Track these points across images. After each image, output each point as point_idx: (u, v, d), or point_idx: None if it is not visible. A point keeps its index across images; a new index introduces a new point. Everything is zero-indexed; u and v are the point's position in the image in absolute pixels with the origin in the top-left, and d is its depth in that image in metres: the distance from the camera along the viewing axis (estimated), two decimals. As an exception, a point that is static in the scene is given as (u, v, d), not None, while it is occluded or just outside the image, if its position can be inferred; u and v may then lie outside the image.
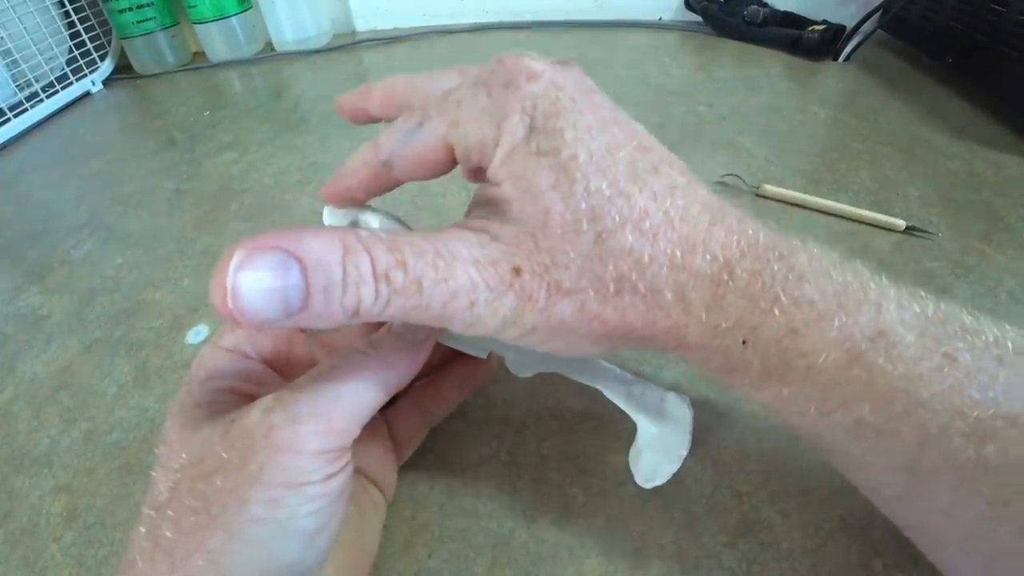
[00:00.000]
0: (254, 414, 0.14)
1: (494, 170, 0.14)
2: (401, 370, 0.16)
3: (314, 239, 0.12)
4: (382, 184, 0.17)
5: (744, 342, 0.14)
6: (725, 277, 0.13)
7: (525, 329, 0.14)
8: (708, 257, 0.13)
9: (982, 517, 0.13)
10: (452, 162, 0.16)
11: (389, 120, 0.19)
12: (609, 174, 0.13)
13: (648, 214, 0.13)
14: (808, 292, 0.13)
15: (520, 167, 0.14)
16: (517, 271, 0.13)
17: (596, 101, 0.15)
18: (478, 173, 0.16)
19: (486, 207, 0.15)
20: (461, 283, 0.13)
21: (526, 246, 0.13)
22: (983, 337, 0.13)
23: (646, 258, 0.13)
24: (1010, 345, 0.13)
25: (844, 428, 0.14)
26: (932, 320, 0.13)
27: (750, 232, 0.14)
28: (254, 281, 0.11)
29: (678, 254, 0.13)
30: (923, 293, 0.14)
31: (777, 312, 0.13)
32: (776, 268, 0.13)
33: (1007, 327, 0.13)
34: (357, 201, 0.19)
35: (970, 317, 0.13)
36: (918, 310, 0.13)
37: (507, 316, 0.13)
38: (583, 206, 0.13)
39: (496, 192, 0.15)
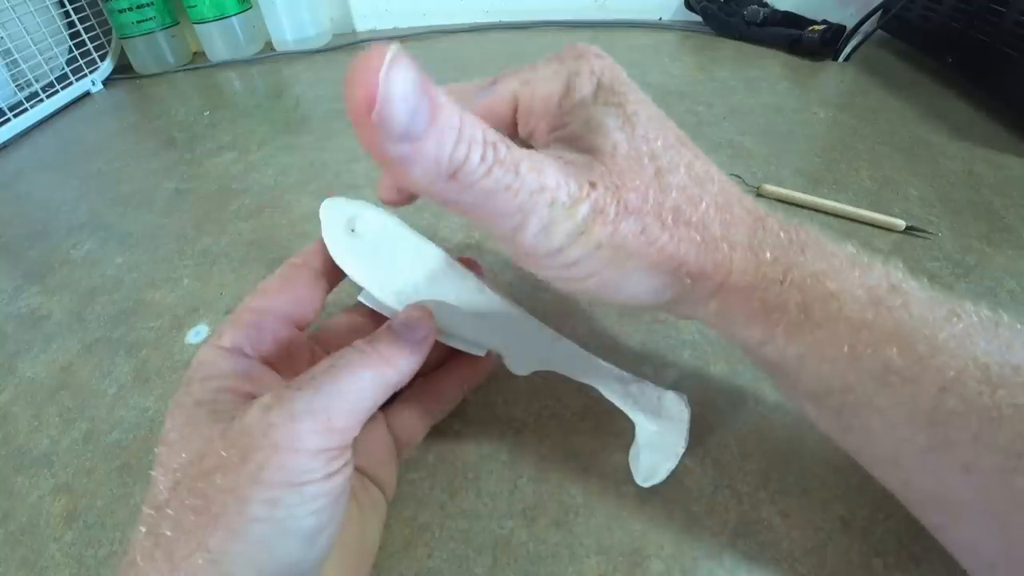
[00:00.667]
0: (253, 413, 0.14)
1: (562, 112, 0.16)
2: (401, 368, 0.16)
3: (440, 90, 0.12)
4: None
5: (782, 281, 0.15)
6: (759, 226, 0.16)
7: (591, 244, 0.14)
8: (744, 209, 0.16)
9: (999, 468, 0.13)
10: (514, 123, 0.18)
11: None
12: (664, 133, 0.16)
13: (694, 166, 0.16)
14: (828, 249, 0.15)
15: (588, 112, 0.16)
16: (593, 184, 0.14)
17: (642, 97, 0.17)
18: (533, 135, 0.17)
19: (552, 148, 0.16)
20: (549, 179, 0.14)
21: (598, 169, 0.15)
22: (976, 308, 0.14)
23: (697, 196, 0.15)
24: (1005, 318, 0.14)
25: (872, 375, 0.14)
26: (933, 295, 0.15)
27: (762, 212, 0.16)
28: (401, 79, 0.11)
29: (721, 200, 0.15)
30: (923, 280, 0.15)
31: (809, 255, 0.15)
32: (795, 234, 0.16)
33: (999, 311, 0.15)
34: None
35: (957, 299, 0.15)
36: (921, 283, 0.15)
37: (579, 224, 0.14)
38: (644, 147, 0.15)
39: (562, 133, 0.16)
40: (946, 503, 0.15)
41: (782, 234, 0.15)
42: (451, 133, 0.12)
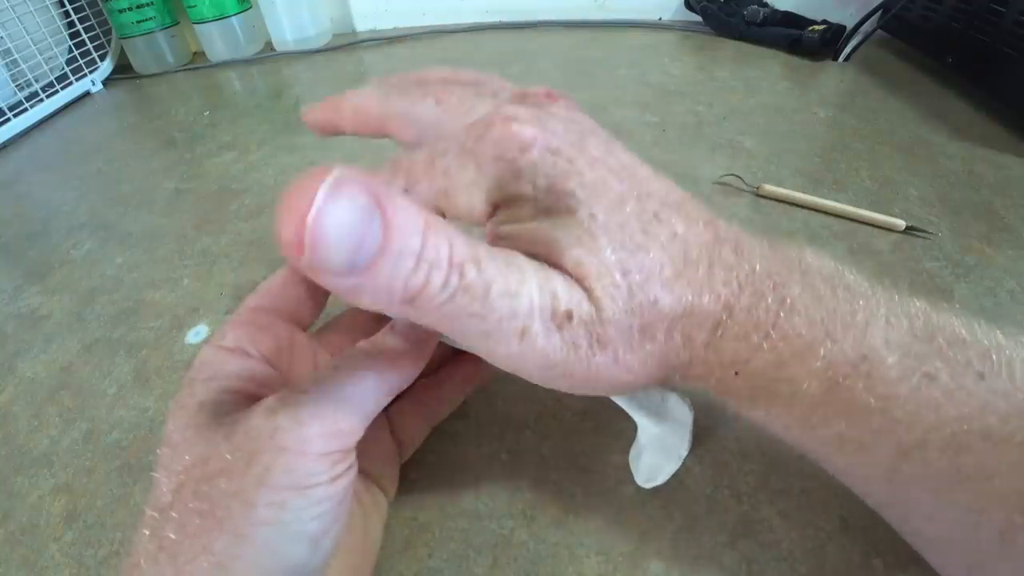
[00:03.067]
0: (258, 415, 0.14)
1: (504, 230, 0.15)
2: (405, 370, 0.16)
3: (400, 200, 0.11)
4: None
5: (736, 373, 0.14)
6: (725, 317, 0.14)
7: (558, 375, 0.14)
8: (713, 299, 0.14)
9: (962, 523, 0.13)
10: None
11: (359, 135, 0.19)
12: (627, 230, 0.14)
13: (663, 265, 0.14)
14: (797, 324, 0.14)
15: (532, 233, 0.14)
16: (568, 315, 0.13)
17: (591, 152, 0.15)
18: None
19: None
20: (522, 304, 0.12)
21: (574, 295, 0.13)
22: (967, 352, 0.13)
23: (666, 308, 0.14)
24: (994, 358, 0.13)
25: (825, 441, 0.15)
26: (918, 337, 0.14)
27: (746, 265, 0.15)
28: (339, 214, 0.09)
29: (689, 298, 0.14)
30: (917, 304, 0.14)
31: (767, 347, 0.14)
32: (770, 301, 0.14)
33: (999, 337, 0.14)
34: None
35: (964, 328, 0.14)
36: (905, 326, 0.14)
37: (549, 358, 0.13)
38: (613, 259, 0.13)
39: (508, 246, 0.14)
40: (917, 536, 0.16)
41: (750, 317, 0.14)
42: (408, 259, 0.10)
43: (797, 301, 0.14)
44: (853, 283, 0.15)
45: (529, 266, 0.13)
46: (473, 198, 0.14)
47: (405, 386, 0.17)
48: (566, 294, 0.13)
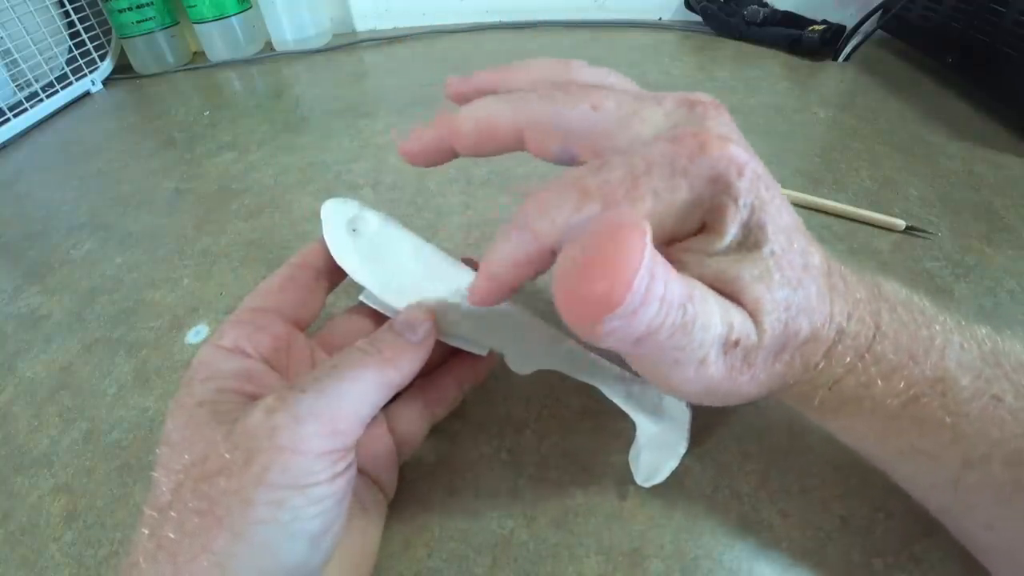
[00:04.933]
0: (257, 415, 0.14)
1: (696, 258, 0.14)
2: (403, 368, 0.16)
3: (654, 254, 0.11)
4: (542, 270, 0.15)
5: (830, 388, 0.15)
6: (836, 342, 0.15)
7: (714, 390, 0.14)
8: (831, 327, 0.15)
9: (1020, 532, 0.15)
10: None
11: (480, 155, 0.17)
12: (793, 265, 0.14)
13: (811, 299, 0.14)
14: (886, 349, 0.15)
15: (726, 263, 0.14)
16: (736, 343, 0.14)
17: (770, 181, 0.14)
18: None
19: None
20: (710, 335, 0.13)
21: (744, 326, 0.14)
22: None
23: (803, 336, 0.15)
24: None
25: (896, 451, 0.16)
26: (987, 361, 0.15)
27: (852, 294, 0.15)
28: (645, 278, 0.10)
29: (818, 328, 0.15)
30: (982, 330, 0.16)
31: (860, 368, 0.15)
32: (869, 325, 0.15)
33: None
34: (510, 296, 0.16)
35: None
36: (975, 352, 0.15)
37: (713, 381, 0.14)
38: (782, 296, 0.14)
39: (699, 271, 0.14)
40: (975, 543, 0.17)
41: (853, 342, 0.15)
42: (656, 304, 0.11)
43: (887, 327, 0.15)
44: (924, 307, 0.16)
45: (713, 297, 0.13)
46: (685, 222, 0.14)
47: (404, 384, 0.17)
48: (740, 325, 0.14)
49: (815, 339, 0.15)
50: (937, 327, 0.15)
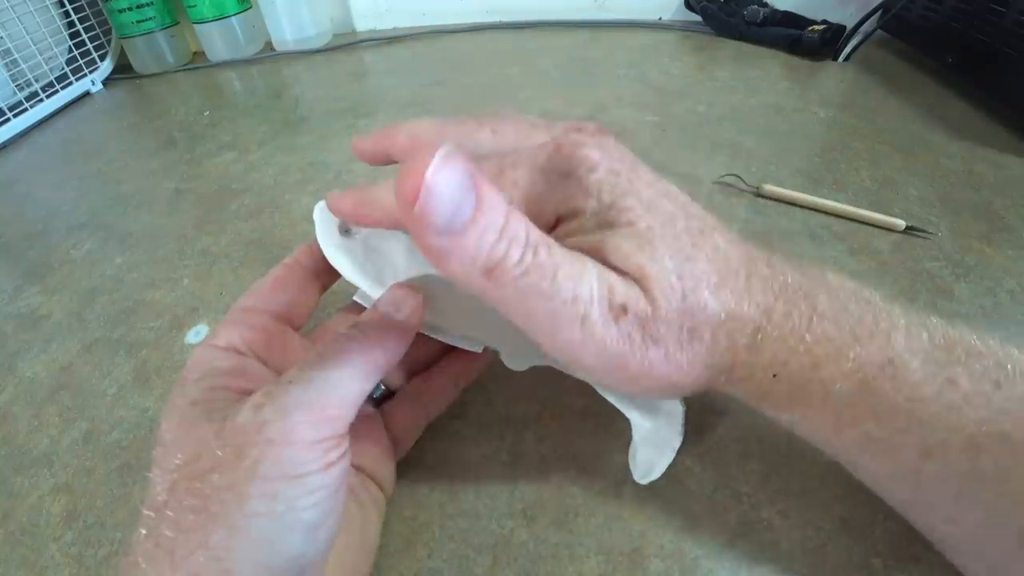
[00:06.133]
0: (245, 411, 0.14)
1: (566, 242, 0.15)
2: (390, 347, 0.16)
3: (488, 183, 0.12)
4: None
5: (775, 375, 0.15)
6: (764, 322, 0.15)
7: (611, 364, 0.15)
8: (752, 305, 0.15)
9: (982, 524, 0.14)
10: None
11: None
12: (680, 241, 0.15)
13: (709, 273, 0.15)
14: (828, 329, 0.15)
15: (594, 239, 0.15)
16: (624, 309, 0.14)
17: (644, 178, 0.16)
18: None
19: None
20: (584, 290, 0.14)
21: (631, 292, 0.14)
22: (984, 362, 0.14)
23: (713, 311, 0.15)
24: (1010, 367, 0.14)
25: (854, 442, 0.16)
26: (938, 346, 0.15)
27: (780, 277, 0.16)
28: (445, 182, 0.11)
29: (732, 304, 0.15)
30: (933, 319, 0.15)
31: (802, 350, 0.15)
32: (803, 308, 0.15)
33: (1012, 350, 0.15)
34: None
35: (979, 340, 0.15)
36: (925, 337, 0.15)
37: (607, 347, 0.14)
38: (670, 265, 0.15)
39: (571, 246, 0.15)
40: (938, 538, 0.16)
41: (786, 322, 0.15)
42: (492, 231, 0.12)
43: (827, 309, 0.15)
44: (872, 298, 0.16)
45: (589, 260, 0.14)
46: (541, 209, 0.16)
47: (393, 365, 0.17)
48: (623, 289, 0.14)
49: (733, 316, 0.15)
50: (883, 314, 0.15)
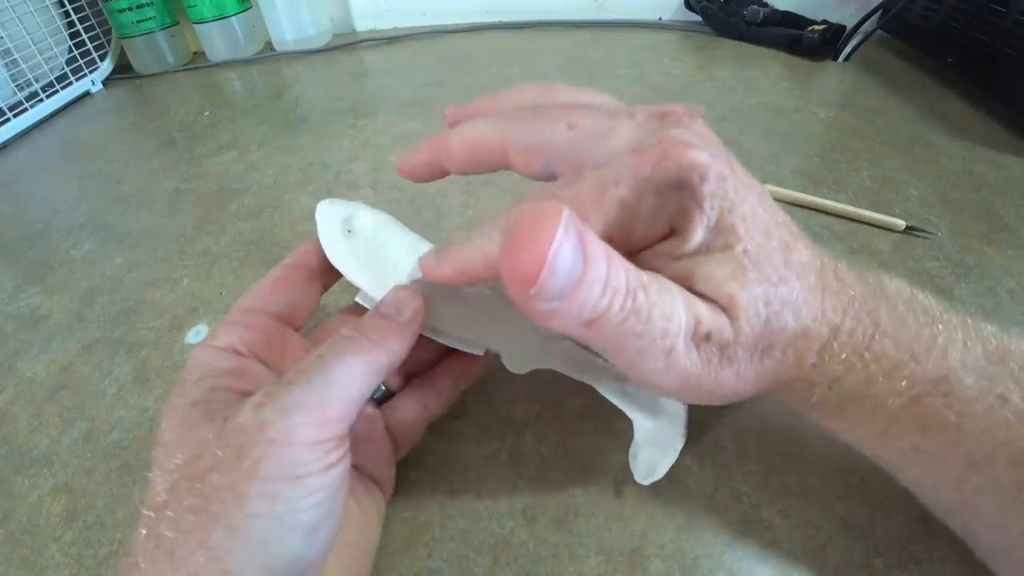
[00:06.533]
0: (246, 411, 0.14)
1: (663, 261, 0.15)
2: (391, 349, 0.16)
3: (590, 231, 0.12)
4: None
5: (829, 387, 0.15)
6: (831, 339, 0.15)
7: (694, 384, 0.15)
8: (824, 323, 0.15)
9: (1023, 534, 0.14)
10: None
11: (469, 173, 0.18)
12: (772, 261, 0.14)
13: (795, 294, 0.15)
14: (887, 347, 0.15)
15: (694, 264, 0.15)
16: (707, 337, 0.14)
17: (743, 180, 0.15)
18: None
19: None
20: (673, 325, 0.13)
21: (717, 321, 0.14)
22: None
23: (790, 332, 0.15)
24: None
25: (900, 451, 0.16)
26: (992, 360, 0.15)
27: (848, 292, 0.15)
28: (567, 254, 0.11)
29: (808, 324, 0.15)
30: (989, 328, 0.15)
31: (859, 366, 0.15)
32: (866, 325, 0.15)
33: None
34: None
35: None
36: (980, 350, 0.15)
37: (687, 373, 0.14)
38: (760, 292, 0.14)
39: (667, 274, 0.15)
40: (979, 543, 0.17)
41: (849, 340, 0.15)
42: (597, 287, 0.12)
43: (887, 325, 0.15)
44: (929, 306, 0.16)
45: (677, 290, 0.14)
46: (653, 228, 0.15)
47: (394, 366, 0.17)
48: (709, 318, 0.14)
49: (806, 335, 0.15)
50: (940, 326, 0.15)
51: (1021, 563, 0.15)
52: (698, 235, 0.14)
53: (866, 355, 0.15)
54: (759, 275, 0.14)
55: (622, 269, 0.12)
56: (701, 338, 0.14)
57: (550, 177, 0.17)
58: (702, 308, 0.14)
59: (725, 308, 0.14)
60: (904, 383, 0.15)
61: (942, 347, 0.15)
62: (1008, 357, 0.15)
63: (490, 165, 0.17)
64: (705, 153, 0.14)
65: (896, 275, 0.16)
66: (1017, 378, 0.14)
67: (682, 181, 0.14)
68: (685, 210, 0.14)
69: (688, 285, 0.15)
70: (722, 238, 0.14)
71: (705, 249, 0.14)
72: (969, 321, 0.15)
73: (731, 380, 0.15)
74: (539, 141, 0.16)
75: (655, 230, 0.15)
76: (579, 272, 0.11)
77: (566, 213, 0.11)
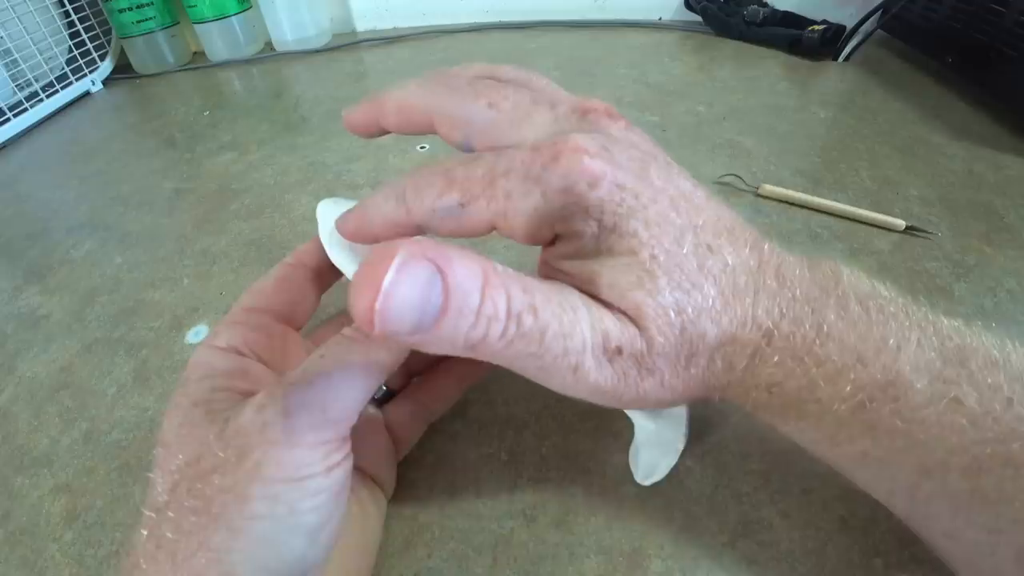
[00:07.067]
0: (248, 412, 0.14)
1: (563, 265, 0.15)
2: (393, 351, 0.16)
3: (460, 260, 0.11)
4: (405, 235, 0.16)
5: (769, 391, 0.15)
6: (764, 344, 0.15)
7: (612, 397, 0.15)
8: (755, 328, 0.15)
9: (980, 542, 0.14)
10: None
11: (403, 133, 0.18)
12: (684, 268, 0.14)
13: (714, 300, 0.14)
14: (831, 350, 0.14)
15: (598, 267, 0.14)
16: (619, 350, 0.14)
17: (653, 183, 0.15)
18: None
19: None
20: (575, 344, 0.13)
21: (626, 331, 0.14)
22: (998, 377, 0.13)
23: (713, 339, 0.14)
24: (1018, 390, 0.13)
25: (850, 457, 0.15)
26: (949, 360, 0.14)
27: (788, 293, 0.15)
28: (403, 291, 0.11)
29: (733, 330, 0.14)
30: (950, 323, 0.14)
31: (800, 372, 0.14)
32: (807, 327, 0.14)
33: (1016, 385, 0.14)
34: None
35: (997, 349, 0.14)
36: (937, 349, 0.14)
37: (600, 387, 0.14)
38: (671, 299, 0.14)
39: (563, 278, 0.15)
40: (938, 550, 0.16)
41: (787, 345, 0.14)
42: (467, 316, 0.11)
43: (832, 327, 0.14)
44: (887, 303, 0.15)
45: (582, 304, 0.14)
46: (534, 226, 0.14)
47: (395, 366, 0.16)
48: (617, 331, 0.14)
49: (733, 341, 0.14)
50: (893, 324, 0.14)
51: (977, 570, 0.15)
52: (581, 241, 0.14)
53: (806, 359, 0.14)
54: (668, 281, 0.14)
55: (502, 294, 0.12)
56: (612, 352, 0.14)
57: (469, 149, 0.17)
58: (609, 321, 0.14)
59: (633, 318, 0.14)
60: (849, 388, 0.14)
61: (893, 348, 0.14)
62: (970, 356, 0.14)
63: (417, 128, 0.18)
64: (599, 162, 0.14)
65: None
66: (976, 380, 0.13)
67: (569, 187, 0.14)
68: (570, 215, 0.14)
69: (593, 292, 0.14)
70: (625, 242, 0.14)
71: (607, 252, 0.14)
72: (930, 317, 0.15)
73: (656, 389, 0.15)
74: (460, 114, 0.16)
75: (544, 230, 0.15)
76: (438, 304, 0.11)
77: (400, 255, 0.11)
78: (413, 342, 0.12)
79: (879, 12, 0.59)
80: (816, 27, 0.60)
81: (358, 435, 0.16)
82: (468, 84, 0.17)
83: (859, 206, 0.34)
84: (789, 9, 0.65)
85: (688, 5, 0.73)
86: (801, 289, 0.15)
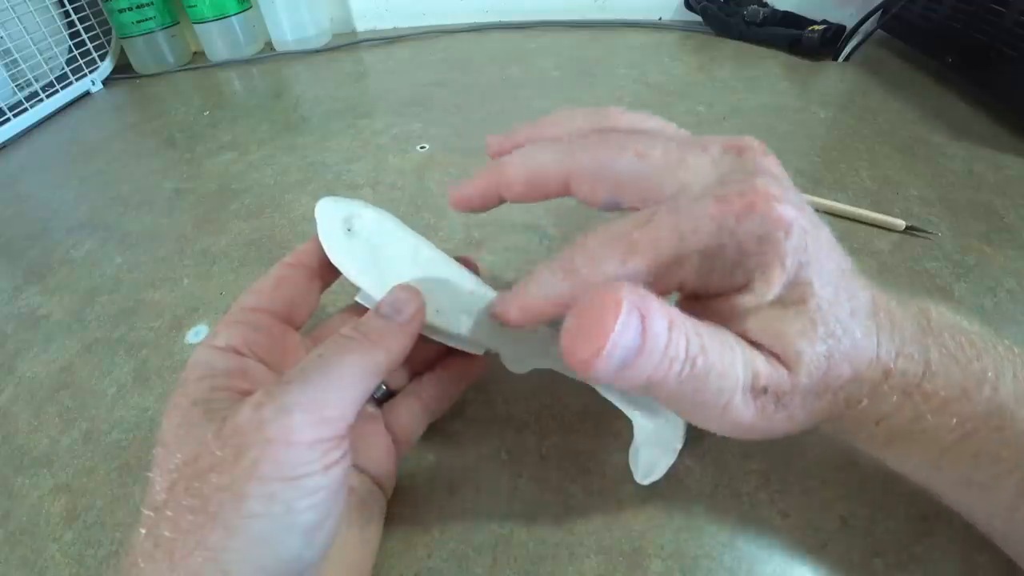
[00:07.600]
0: (245, 410, 0.14)
1: (745, 320, 0.15)
2: (391, 349, 0.16)
3: (653, 303, 0.12)
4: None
5: (877, 424, 0.15)
6: (882, 380, 0.15)
7: (747, 430, 0.15)
8: (878, 368, 0.15)
9: None
10: None
11: (529, 202, 0.17)
12: (839, 316, 0.14)
13: (856, 344, 0.14)
14: (937, 385, 0.15)
15: (769, 318, 0.14)
16: (765, 389, 0.14)
17: (822, 235, 0.15)
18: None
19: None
20: (730, 382, 0.14)
21: (777, 374, 0.14)
22: None
23: (845, 379, 0.15)
24: None
25: (951, 482, 0.16)
26: None
27: (899, 333, 0.15)
28: (625, 340, 0.12)
29: (862, 370, 0.15)
30: None
31: (908, 406, 0.15)
32: (917, 365, 0.15)
33: None
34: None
35: None
36: None
37: (742, 423, 0.15)
38: (825, 348, 0.14)
39: (719, 319, 0.15)
40: None
41: (901, 381, 0.15)
42: (656, 356, 0.12)
43: (938, 364, 0.15)
44: (975, 337, 0.15)
45: (736, 344, 0.14)
46: (728, 278, 0.14)
47: (393, 367, 0.17)
48: (767, 371, 0.14)
49: (858, 379, 0.15)
50: (988, 359, 0.15)
51: None
52: (775, 290, 0.14)
53: (915, 395, 0.15)
54: (826, 331, 0.14)
55: (683, 338, 0.13)
56: (759, 391, 0.14)
57: (614, 206, 0.16)
58: (760, 362, 0.14)
59: (784, 361, 0.14)
60: (955, 420, 0.14)
61: (992, 381, 0.14)
62: None
63: (550, 194, 0.17)
64: (791, 207, 0.13)
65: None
66: None
67: (766, 236, 0.13)
68: (766, 264, 0.14)
69: (742, 331, 0.15)
70: (798, 292, 0.14)
71: (779, 303, 0.14)
72: (1016, 349, 0.15)
73: (784, 423, 0.15)
74: (605, 170, 0.16)
75: (730, 281, 0.14)
76: (637, 346, 0.12)
77: (626, 305, 0.12)
78: (605, 380, 0.12)
79: (879, 12, 0.59)
80: (816, 27, 0.60)
81: (358, 434, 0.16)
82: (603, 138, 0.16)
83: (859, 206, 0.34)
84: (789, 9, 0.65)
85: (688, 5, 0.73)
86: (909, 330, 0.15)
